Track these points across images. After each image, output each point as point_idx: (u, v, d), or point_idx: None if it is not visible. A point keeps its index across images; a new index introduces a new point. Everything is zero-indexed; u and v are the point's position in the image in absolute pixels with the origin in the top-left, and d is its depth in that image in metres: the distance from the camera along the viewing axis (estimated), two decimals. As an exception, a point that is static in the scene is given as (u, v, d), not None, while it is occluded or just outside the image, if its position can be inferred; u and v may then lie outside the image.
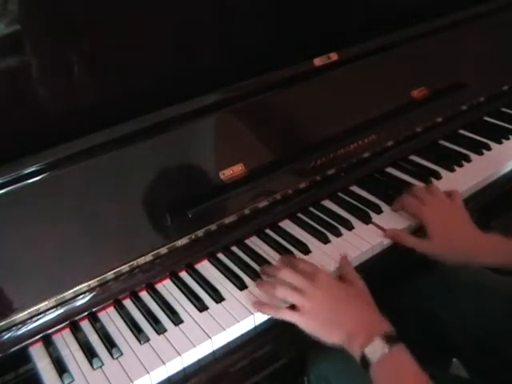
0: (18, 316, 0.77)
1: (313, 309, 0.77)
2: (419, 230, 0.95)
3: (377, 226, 0.96)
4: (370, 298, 0.80)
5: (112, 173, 0.86)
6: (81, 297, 0.82)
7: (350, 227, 0.96)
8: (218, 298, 0.84)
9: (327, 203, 1.03)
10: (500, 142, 1.19)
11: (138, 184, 0.88)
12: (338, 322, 0.76)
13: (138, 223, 0.87)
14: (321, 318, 0.77)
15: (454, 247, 0.90)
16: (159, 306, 0.84)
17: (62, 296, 0.80)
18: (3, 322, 0.76)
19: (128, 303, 0.85)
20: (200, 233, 0.91)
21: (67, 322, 0.81)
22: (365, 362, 0.72)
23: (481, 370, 0.99)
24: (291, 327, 0.80)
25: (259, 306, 0.81)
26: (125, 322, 0.82)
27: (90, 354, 0.77)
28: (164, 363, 0.74)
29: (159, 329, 0.79)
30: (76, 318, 0.82)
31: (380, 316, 0.76)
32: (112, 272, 0.84)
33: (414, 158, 1.16)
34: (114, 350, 0.76)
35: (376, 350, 0.71)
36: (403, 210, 0.98)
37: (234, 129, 0.98)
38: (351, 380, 0.87)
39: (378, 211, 0.99)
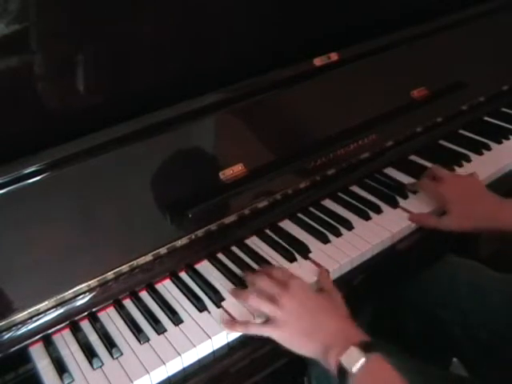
0: (18, 316, 0.77)
1: (286, 319, 0.74)
2: None
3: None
4: (346, 310, 0.77)
5: (112, 173, 0.86)
6: (81, 297, 0.82)
7: (349, 227, 0.96)
8: (217, 298, 0.83)
9: (327, 203, 1.03)
10: (500, 142, 1.19)
11: (137, 184, 0.88)
12: (313, 333, 0.73)
13: (137, 223, 0.87)
14: (294, 329, 0.74)
15: (474, 214, 0.92)
16: (159, 306, 0.84)
17: (61, 296, 0.80)
18: (3, 322, 0.76)
19: (128, 303, 0.85)
20: (200, 233, 0.91)
21: (67, 322, 0.81)
22: (342, 373, 0.68)
23: (481, 369, 0.99)
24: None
25: (228, 324, 0.78)
26: (125, 322, 0.82)
27: (89, 354, 0.77)
28: (164, 363, 0.74)
29: (159, 329, 0.79)
30: (76, 318, 0.82)
31: (356, 327, 0.73)
32: (112, 272, 0.84)
33: (414, 157, 1.16)
34: (113, 350, 0.76)
35: (352, 358, 0.68)
36: (420, 190, 1.02)
37: (234, 129, 0.98)
38: None
39: (378, 211, 0.99)
